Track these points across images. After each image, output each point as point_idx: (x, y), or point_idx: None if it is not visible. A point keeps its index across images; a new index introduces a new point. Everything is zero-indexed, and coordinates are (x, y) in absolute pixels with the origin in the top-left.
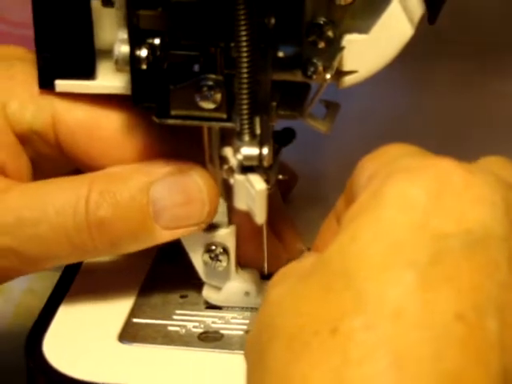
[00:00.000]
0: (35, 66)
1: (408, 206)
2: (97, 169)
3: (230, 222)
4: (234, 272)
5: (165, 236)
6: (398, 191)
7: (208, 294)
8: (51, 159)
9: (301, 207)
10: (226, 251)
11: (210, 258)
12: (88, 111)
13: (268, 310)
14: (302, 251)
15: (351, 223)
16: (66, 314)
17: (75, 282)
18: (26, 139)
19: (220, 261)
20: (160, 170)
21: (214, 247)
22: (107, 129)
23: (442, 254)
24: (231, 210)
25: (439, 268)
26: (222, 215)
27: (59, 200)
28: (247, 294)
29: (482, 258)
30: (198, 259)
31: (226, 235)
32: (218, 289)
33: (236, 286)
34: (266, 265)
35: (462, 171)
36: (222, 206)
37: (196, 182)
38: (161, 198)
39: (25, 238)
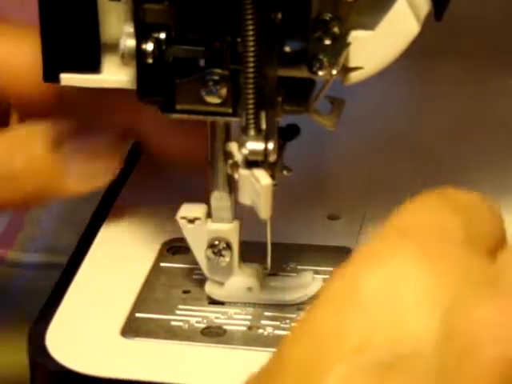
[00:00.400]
0: None
1: (346, 306)
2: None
3: (233, 218)
4: (236, 267)
5: (72, 188)
6: (346, 285)
7: (211, 289)
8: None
9: (303, 205)
10: (229, 246)
11: (213, 253)
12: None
13: None
14: None
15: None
16: (68, 309)
17: (78, 276)
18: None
19: (223, 256)
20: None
21: (217, 242)
22: (18, 59)
23: (354, 375)
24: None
25: None
26: (225, 210)
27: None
28: (250, 289)
29: (400, 377)
30: (201, 254)
31: (229, 230)
32: (221, 284)
33: (239, 281)
34: (269, 260)
35: (420, 267)
36: (226, 201)
37: (105, 140)
38: (71, 152)
39: None
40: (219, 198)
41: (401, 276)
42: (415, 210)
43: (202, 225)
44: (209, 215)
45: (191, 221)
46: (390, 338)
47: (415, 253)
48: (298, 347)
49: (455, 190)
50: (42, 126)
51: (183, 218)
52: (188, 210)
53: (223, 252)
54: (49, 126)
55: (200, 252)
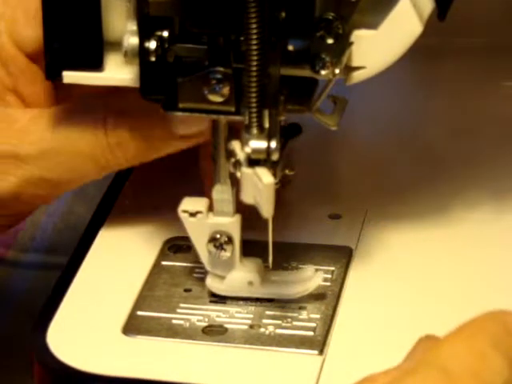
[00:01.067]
0: None
1: None
2: None
3: (235, 211)
4: (238, 261)
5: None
6: None
7: (211, 283)
8: None
9: (305, 204)
10: (230, 240)
11: (215, 247)
12: None
13: None
14: None
15: None
16: (69, 307)
17: (78, 275)
18: (39, 56)
19: (224, 250)
20: None
21: (218, 236)
22: None
23: None
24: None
25: None
26: (227, 204)
27: (80, 126)
28: (251, 283)
29: None
30: (202, 248)
31: (230, 224)
32: (222, 278)
33: (240, 275)
34: (270, 259)
35: None
36: (228, 194)
37: None
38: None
39: (52, 167)
40: (221, 191)
41: None
42: (459, 349)
43: (204, 218)
44: (210, 209)
45: (193, 214)
46: None
47: None
48: None
49: (500, 319)
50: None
51: (185, 211)
52: (190, 203)
53: (224, 246)
54: None
55: (201, 246)
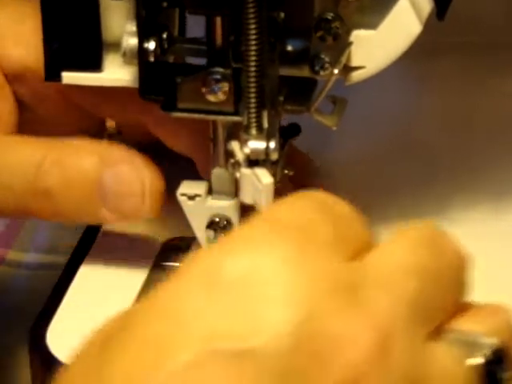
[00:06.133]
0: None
1: (201, 289)
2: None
3: (234, 194)
4: None
5: (107, 217)
6: (208, 266)
7: None
8: (48, 99)
9: None
10: (229, 224)
11: (214, 230)
12: None
13: None
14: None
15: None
16: (68, 308)
17: (78, 275)
18: (20, 77)
19: (223, 233)
20: (116, 154)
21: (217, 219)
22: None
23: (200, 363)
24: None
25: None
26: (226, 185)
27: (12, 160)
28: None
29: (248, 369)
30: (201, 232)
31: (229, 207)
32: None
33: None
34: None
35: (288, 262)
36: (227, 175)
37: (142, 178)
38: (109, 183)
39: None
40: (220, 174)
41: (267, 266)
42: (288, 207)
43: (203, 202)
44: (209, 192)
45: (191, 197)
46: (244, 327)
47: (284, 246)
48: (145, 325)
49: (325, 194)
50: (88, 145)
51: (183, 194)
52: (188, 186)
53: (223, 229)
54: (96, 146)
55: (200, 229)
